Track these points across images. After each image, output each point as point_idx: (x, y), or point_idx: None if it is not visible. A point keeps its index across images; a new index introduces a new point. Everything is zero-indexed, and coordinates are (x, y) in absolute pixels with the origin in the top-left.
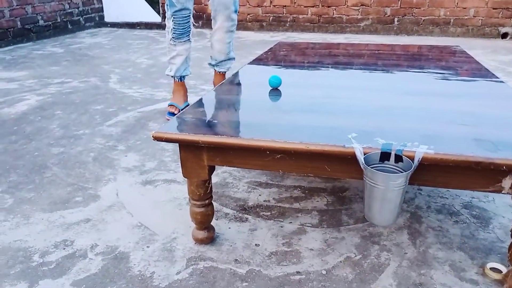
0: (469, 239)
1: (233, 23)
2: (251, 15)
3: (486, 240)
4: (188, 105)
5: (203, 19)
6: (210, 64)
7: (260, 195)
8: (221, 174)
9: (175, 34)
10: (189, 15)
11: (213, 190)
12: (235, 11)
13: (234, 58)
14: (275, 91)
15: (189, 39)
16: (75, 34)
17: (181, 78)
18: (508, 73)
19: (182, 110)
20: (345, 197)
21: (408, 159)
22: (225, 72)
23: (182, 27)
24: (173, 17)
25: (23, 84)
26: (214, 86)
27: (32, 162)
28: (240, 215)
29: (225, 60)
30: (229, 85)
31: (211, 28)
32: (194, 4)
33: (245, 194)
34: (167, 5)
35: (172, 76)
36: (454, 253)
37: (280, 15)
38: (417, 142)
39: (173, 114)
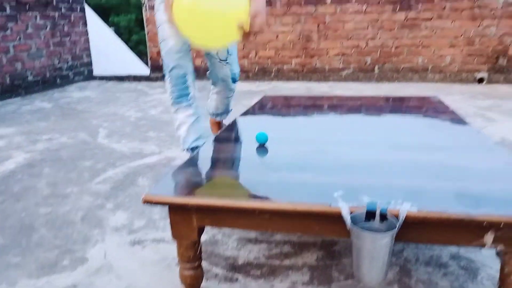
0: None
1: (232, 93)
2: None
3: None
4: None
5: None
6: (208, 112)
7: (250, 252)
8: (211, 231)
9: (173, 98)
10: (186, 75)
11: (203, 249)
12: (234, 81)
13: (230, 110)
14: (262, 148)
15: (190, 104)
16: (64, 88)
17: (192, 150)
18: (487, 119)
19: None
20: (335, 251)
21: (393, 218)
22: (221, 120)
23: (179, 89)
24: (169, 77)
25: (11, 141)
26: (211, 130)
27: (19, 223)
28: (230, 275)
29: (222, 113)
30: (217, 142)
31: (199, 79)
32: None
33: (235, 252)
34: (163, 67)
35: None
36: None
37: (265, 66)
38: (401, 199)
39: None
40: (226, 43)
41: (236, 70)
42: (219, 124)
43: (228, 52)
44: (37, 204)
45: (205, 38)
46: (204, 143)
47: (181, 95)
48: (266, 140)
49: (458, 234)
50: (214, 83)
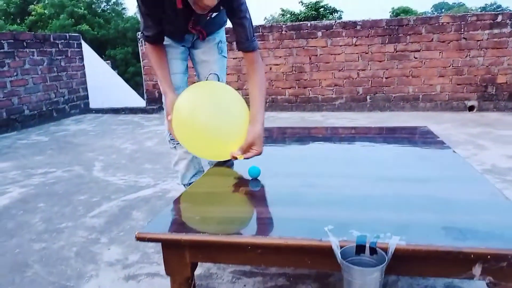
0: None
1: None
2: None
3: None
4: None
5: None
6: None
7: (245, 285)
8: (205, 265)
9: (171, 135)
10: None
11: (197, 283)
12: None
13: None
14: (255, 182)
15: None
16: (60, 121)
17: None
18: (477, 146)
19: None
20: (329, 283)
21: (382, 252)
22: None
23: None
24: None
25: (6, 176)
26: None
27: (13, 260)
28: None
29: None
30: (210, 176)
31: None
32: None
33: (230, 285)
34: (163, 102)
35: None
36: None
37: None
38: (390, 232)
39: None
40: (221, 158)
41: None
42: None
43: (218, 79)
44: (31, 240)
45: (200, 151)
46: None
47: None
48: (259, 174)
49: (447, 266)
50: None
